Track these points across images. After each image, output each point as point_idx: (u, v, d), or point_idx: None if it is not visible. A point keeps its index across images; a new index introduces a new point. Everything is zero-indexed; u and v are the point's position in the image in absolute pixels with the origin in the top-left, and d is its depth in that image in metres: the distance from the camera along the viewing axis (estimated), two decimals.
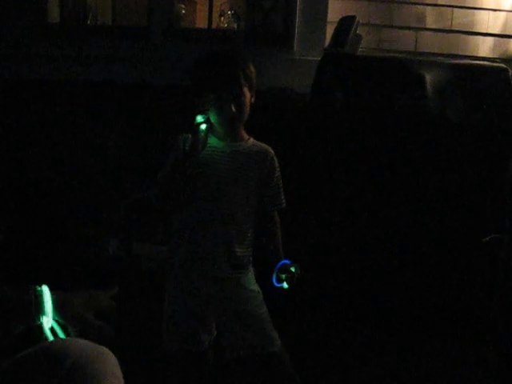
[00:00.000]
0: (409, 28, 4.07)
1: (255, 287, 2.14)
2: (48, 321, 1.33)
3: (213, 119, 2.05)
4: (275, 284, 2.04)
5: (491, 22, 4.22)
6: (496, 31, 4.22)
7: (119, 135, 3.77)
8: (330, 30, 3.68)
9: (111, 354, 1.15)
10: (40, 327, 1.32)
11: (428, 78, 3.18)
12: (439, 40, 4.12)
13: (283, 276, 2.02)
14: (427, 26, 4.12)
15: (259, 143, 2.16)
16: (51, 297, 1.34)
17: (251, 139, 2.15)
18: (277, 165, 2.15)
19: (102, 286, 3.24)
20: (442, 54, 4.01)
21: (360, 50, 3.45)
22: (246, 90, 2.04)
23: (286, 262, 2.09)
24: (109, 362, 1.11)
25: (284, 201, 2.19)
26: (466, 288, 2.94)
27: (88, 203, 3.77)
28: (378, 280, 3.03)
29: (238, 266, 2.09)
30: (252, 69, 2.10)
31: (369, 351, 2.86)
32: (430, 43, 4.11)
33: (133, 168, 3.71)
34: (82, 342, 1.14)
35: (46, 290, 1.38)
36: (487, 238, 2.56)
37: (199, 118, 2.03)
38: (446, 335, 2.90)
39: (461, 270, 2.96)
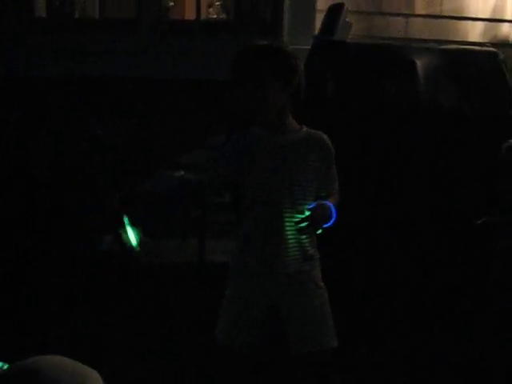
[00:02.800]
0: (398, 14, 4.07)
1: (322, 284, 2.12)
2: None
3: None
4: None
5: (480, 7, 4.22)
6: (485, 16, 4.22)
7: (110, 128, 3.76)
8: (319, 18, 3.67)
9: (99, 378, 1.06)
10: None
11: (419, 63, 3.17)
12: (429, 26, 4.12)
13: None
14: (417, 12, 4.12)
15: (313, 131, 2.11)
16: None
17: (304, 128, 2.11)
18: (332, 151, 2.11)
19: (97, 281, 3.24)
20: (432, 40, 4.00)
21: (350, 37, 3.44)
22: (271, 83, 2.00)
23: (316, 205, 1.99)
24: None
25: (338, 186, 2.14)
26: (460, 270, 2.95)
27: (82, 198, 3.76)
28: (373, 263, 3.03)
29: (308, 256, 2.08)
30: (287, 60, 2.04)
31: (364, 334, 2.86)
32: (420, 29, 4.11)
33: (126, 161, 3.70)
34: (66, 363, 1.06)
35: None
36: (480, 221, 2.56)
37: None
38: (440, 316, 2.91)
39: (454, 252, 2.97)
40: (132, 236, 2.12)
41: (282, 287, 2.06)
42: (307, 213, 1.97)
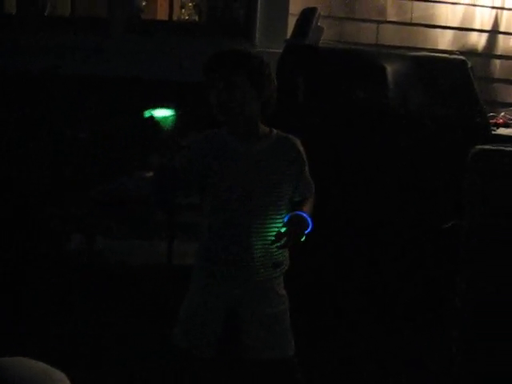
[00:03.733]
0: (370, 21, 4.10)
1: (284, 292, 2.10)
2: None
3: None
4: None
5: (450, 16, 4.28)
6: (455, 24, 4.28)
7: (80, 127, 3.72)
8: (291, 22, 3.69)
9: (66, 380, 1.07)
10: None
11: (388, 69, 3.21)
12: (400, 33, 4.17)
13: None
14: (388, 19, 4.16)
15: (283, 135, 2.08)
16: None
17: (274, 133, 2.07)
18: (303, 154, 2.09)
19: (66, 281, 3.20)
20: (402, 47, 4.05)
21: (321, 42, 3.46)
22: (244, 84, 1.95)
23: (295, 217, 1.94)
24: None
25: (313, 187, 2.12)
26: (428, 273, 2.99)
27: (51, 197, 3.71)
28: (341, 268, 3.05)
29: (278, 263, 2.04)
30: (262, 69, 1.99)
31: (332, 339, 2.88)
32: (391, 36, 4.15)
33: (95, 161, 3.67)
34: (33, 365, 1.06)
35: None
36: (448, 225, 2.60)
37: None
38: (411, 319, 2.94)
39: (422, 256, 3.00)
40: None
41: (245, 292, 2.04)
42: (283, 229, 1.93)
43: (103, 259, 3.69)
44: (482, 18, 4.33)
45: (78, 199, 3.67)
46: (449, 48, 4.17)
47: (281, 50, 3.29)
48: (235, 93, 1.97)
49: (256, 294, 2.04)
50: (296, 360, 2.09)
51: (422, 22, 4.20)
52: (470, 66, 3.32)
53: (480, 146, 2.49)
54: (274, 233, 1.96)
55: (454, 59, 3.41)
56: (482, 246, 2.41)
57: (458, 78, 3.29)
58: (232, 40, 3.94)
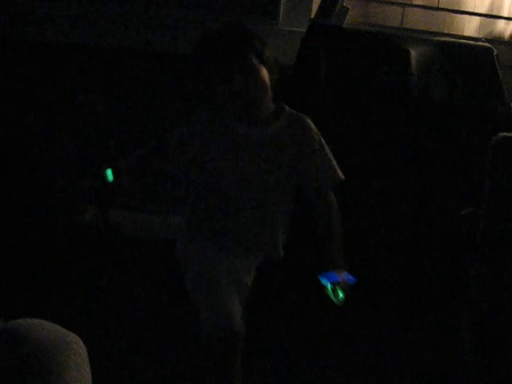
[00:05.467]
0: (396, 3, 4.05)
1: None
2: None
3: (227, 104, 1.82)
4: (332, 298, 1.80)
5: (478, 2, 4.21)
6: (482, 11, 4.22)
7: (98, 100, 3.72)
8: (316, 1, 3.64)
9: (81, 343, 1.07)
10: None
11: (413, 54, 3.18)
12: (426, 17, 4.11)
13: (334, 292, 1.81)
14: (414, 3, 4.10)
15: (293, 113, 1.91)
16: None
17: (285, 111, 1.89)
18: (315, 135, 1.89)
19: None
20: (428, 32, 3.99)
21: (346, 23, 3.42)
22: (260, 66, 1.80)
23: (349, 278, 1.83)
24: (75, 353, 1.02)
25: (339, 173, 1.89)
26: (444, 260, 2.98)
27: (64, 168, 3.72)
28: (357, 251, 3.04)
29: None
30: (264, 45, 1.88)
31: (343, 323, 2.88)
32: (417, 20, 4.10)
33: (114, 132, 3.67)
34: (49, 327, 1.07)
35: None
36: (465, 212, 2.59)
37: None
38: (423, 309, 2.94)
39: (439, 242, 3.00)
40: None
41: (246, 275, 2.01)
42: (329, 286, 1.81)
43: (117, 232, 3.70)
44: (511, 6, 4.26)
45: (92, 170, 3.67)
46: (475, 35, 4.11)
47: (304, 30, 3.26)
48: (256, 78, 1.81)
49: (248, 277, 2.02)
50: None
51: (449, 7, 4.14)
52: (495, 53, 3.28)
53: (502, 134, 2.47)
54: (273, 223, 1.88)
55: (480, 46, 3.37)
56: (499, 234, 2.40)
57: (483, 65, 3.25)
58: (255, 18, 3.90)
